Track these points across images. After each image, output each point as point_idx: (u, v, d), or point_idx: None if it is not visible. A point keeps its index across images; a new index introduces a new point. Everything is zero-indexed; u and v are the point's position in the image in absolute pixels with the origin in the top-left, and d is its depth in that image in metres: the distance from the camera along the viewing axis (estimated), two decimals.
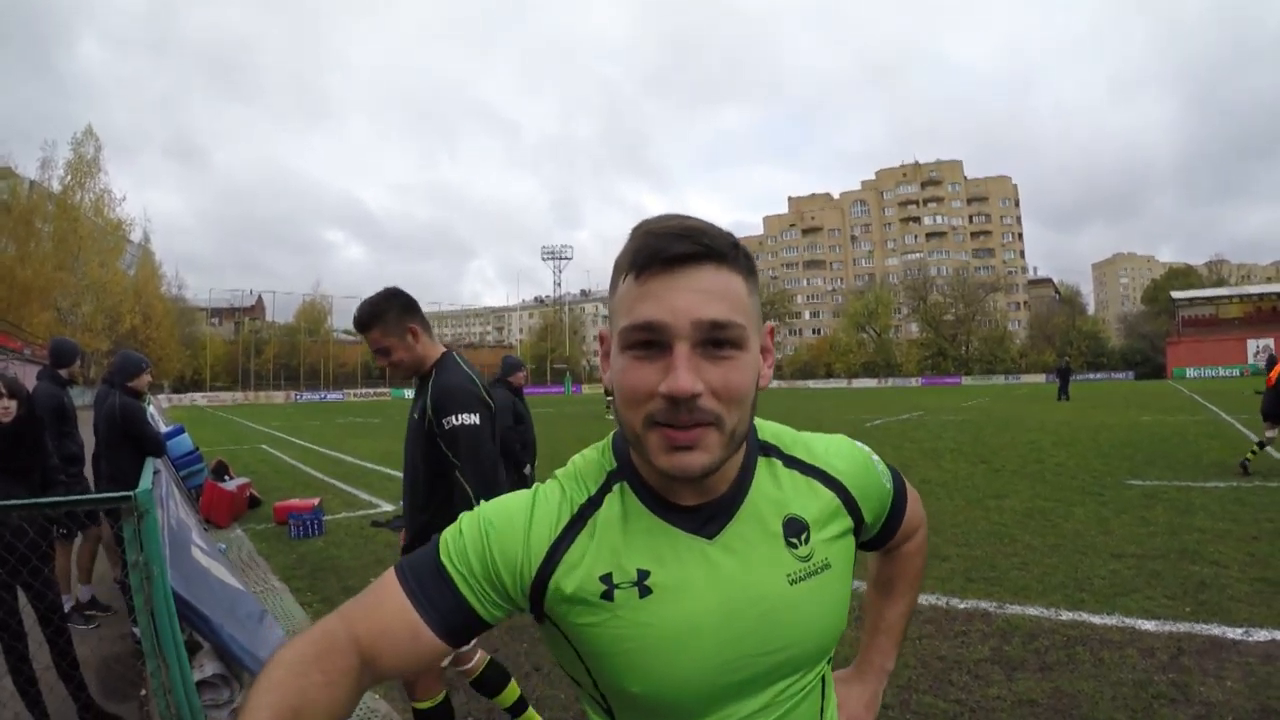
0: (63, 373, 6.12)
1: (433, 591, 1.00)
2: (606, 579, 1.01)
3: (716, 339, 0.91)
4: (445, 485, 3.19)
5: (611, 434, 1.13)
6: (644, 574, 1.01)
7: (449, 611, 1.00)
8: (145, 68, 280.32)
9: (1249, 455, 11.15)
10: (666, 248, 0.91)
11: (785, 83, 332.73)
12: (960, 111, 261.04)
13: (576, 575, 1.01)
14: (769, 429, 1.17)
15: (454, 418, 3.14)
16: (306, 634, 0.97)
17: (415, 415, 3.27)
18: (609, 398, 32.41)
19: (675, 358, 0.90)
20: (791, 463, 1.13)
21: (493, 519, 1.04)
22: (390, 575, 1.03)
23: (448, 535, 1.05)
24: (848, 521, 1.14)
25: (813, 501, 1.11)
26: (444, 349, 3.36)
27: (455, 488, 3.15)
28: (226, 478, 11.08)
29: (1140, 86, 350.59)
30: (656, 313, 0.90)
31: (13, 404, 4.12)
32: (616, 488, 1.07)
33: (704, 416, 0.91)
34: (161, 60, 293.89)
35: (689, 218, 0.95)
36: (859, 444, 1.23)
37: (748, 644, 1.02)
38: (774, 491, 1.09)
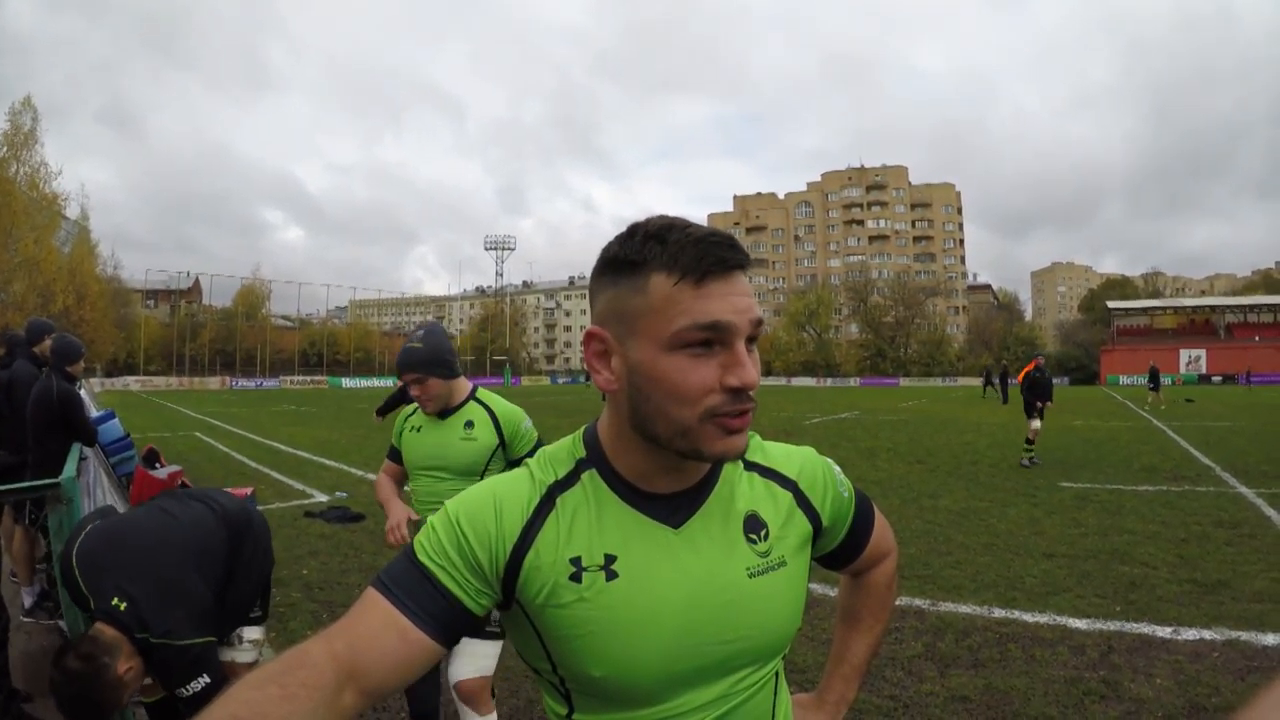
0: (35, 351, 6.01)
1: (417, 592, 1.01)
2: (576, 561, 1.05)
3: (754, 335, 1.01)
4: None
5: (582, 428, 1.17)
6: (611, 558, 1.05)
7: (438, 610, 1.01)
8: (79, 27, 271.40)
9: (1026, 453, 12.70)
10: (727, 256, 0.98)
11: (742, 79, 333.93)
12: (910, 118, 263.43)
13: (548, 556, 1.05)
14: None
15: None
16: (280, 655, 0.96)
17: None
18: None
19: (739, 354, 0.97)
20: (751, 466, 1.19)
21: (462, 508, 1.07)
22: (369, 590, 1.03)
23: (420, 537, 1.06)
24: (806, 526, 1.20)
25: (771, 503, 1.17)
26: None
27: None
28: (158, 465, 10.73)
29: (1096, 101, 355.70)
30: (723, 313, 0.96)
31: None
32: (585, 475, 1.11)
33: (751, 403, 1.00)
34: (96, 19, 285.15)
35: (708, 227, 1.02)
36: (821, 456, 1.30)
37: (707, 632, 1.06)
38: (737, 489, 1.15)
